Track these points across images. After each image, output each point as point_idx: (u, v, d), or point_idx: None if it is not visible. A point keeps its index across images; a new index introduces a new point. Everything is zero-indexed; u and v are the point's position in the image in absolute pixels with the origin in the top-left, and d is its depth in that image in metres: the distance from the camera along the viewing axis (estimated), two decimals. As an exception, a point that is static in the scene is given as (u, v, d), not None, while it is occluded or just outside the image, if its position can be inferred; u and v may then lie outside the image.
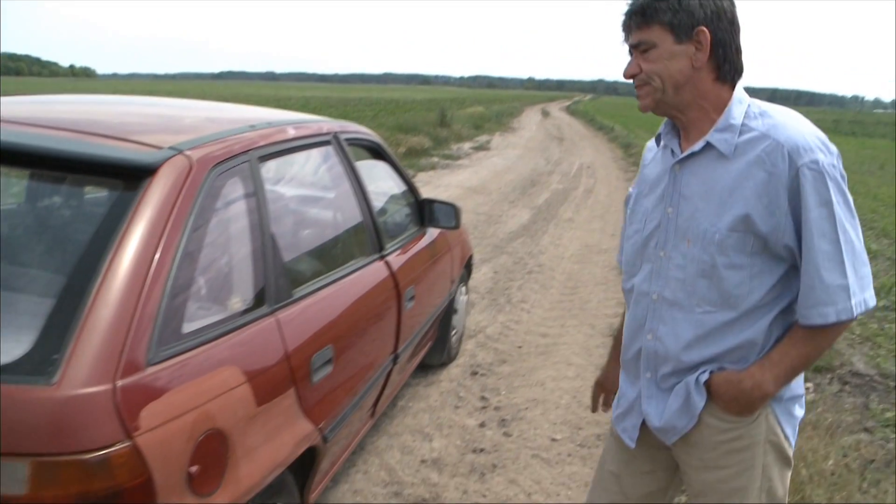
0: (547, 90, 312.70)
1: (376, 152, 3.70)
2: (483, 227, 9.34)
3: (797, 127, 1.69)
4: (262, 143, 2.45)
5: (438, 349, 4.59)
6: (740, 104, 1.76)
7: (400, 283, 3.23)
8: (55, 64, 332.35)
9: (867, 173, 20.90)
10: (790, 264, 1.75)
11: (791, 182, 1.64)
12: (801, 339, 1.73)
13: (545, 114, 48.70)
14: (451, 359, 4.88)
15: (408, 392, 4.43)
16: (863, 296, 1.68)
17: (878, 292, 7.07)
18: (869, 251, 5.77)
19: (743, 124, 1.73)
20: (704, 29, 1.68)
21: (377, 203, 3.57)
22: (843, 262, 1.64)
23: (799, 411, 1.89)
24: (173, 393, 1.76)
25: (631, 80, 1.80)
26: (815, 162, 1.62)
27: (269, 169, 2.54)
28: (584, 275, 7.42)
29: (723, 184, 1.72)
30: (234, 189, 2.25)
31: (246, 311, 2.16)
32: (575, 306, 6.37)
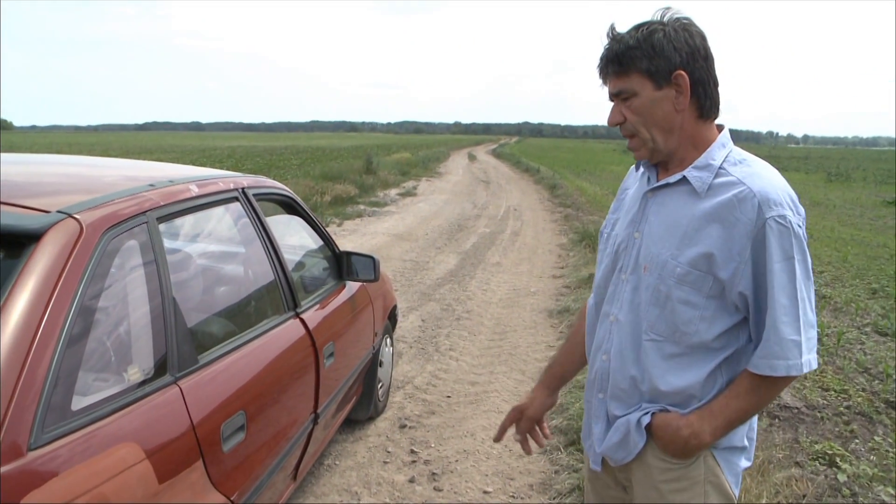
0: (473, 133, 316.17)
1: (289, 206, 3.61)
2: (410, 275, 9.26)
3: (772, 180, 1.71)
4: (161, 203, 2.33)
5: (364, 404, 4.47)
6: (723, 148, 1.78)
7: (317, 340, 3.13)
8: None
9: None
10: (743, 316, 1.76)
11: (757, 232, 1.66)
12: (744, 390, 1.74)
13: (472, 157, 49.08)
14: (378, 412, 4.76)
15: (334, 449, 4.30)
16: (809, 356, 1.70)
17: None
18: None
19: (721, 167, 1.75)
20: (682, 72, 1.70)
21: (291, 259, 3.47)
22: (798, 319, 1.67)
23: (742, 462, 1.89)
24: (60, 478, 1.63)
25: (616, 127, 1.83)
26: (783, 217, 1.65)
27: (171, 229, 2.44)
28: (512, 319, 7.38)
29: (690, 219, 1.75)
30: (131, 253, 2.13)
31: (145, 382, 2.03)
32: (504, 352, 6.31)
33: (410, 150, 44.75)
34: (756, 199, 1.66)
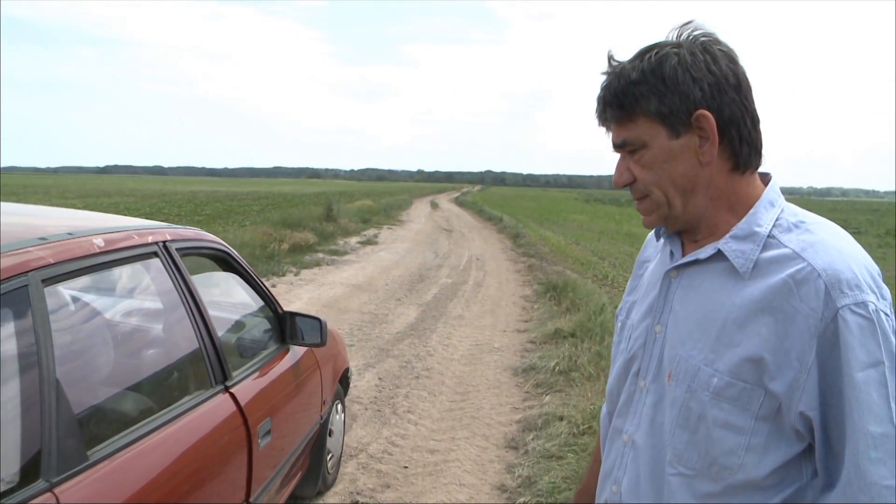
0: (436, 182, 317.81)
1: (224, 262, 3.17)
2: (368, 328, 8.81)
3: (843, 250, 1.24)
4: (51, 261, 1.91)
5: (311, 479, 4.01)
6: (771, 207, 1.32)
7: (250, 417, 2.69)
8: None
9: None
10: (807, 444, 1.26)
11: (825, 328, 1.19)
12: None
13: (434, 205, 48.87)
14: (327, 486, 4.30)
15: (275, 533, 3.82)
16: None
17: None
18: None
19: (770, 235, 1.29)
20: (706, 113, 1.27)
21: (224, 323, 3.04)
22: (893, 455, 1.16)
23: None
24: None
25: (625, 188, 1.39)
26: (863, 305, 1.18)
27: (60, 294, 2.01)
28: (475, 377, 6.95)
29: (730, 310, 1.28)
30: (1, 325, 1.70)
31: (8, 492, 1.59)
32: (466, 415, 5.88)
33: (373, 198, 44.43)
34: (822, 281, 1.19)
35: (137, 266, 2.46)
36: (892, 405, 1.16)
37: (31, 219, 2.44)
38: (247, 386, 2.82)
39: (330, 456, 4.25)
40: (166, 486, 2.09)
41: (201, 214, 26.05)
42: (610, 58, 1.35)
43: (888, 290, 1.24)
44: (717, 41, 1.31)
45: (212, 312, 3.03)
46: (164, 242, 2.55)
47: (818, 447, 1.23)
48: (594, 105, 1.37)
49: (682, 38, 1.31)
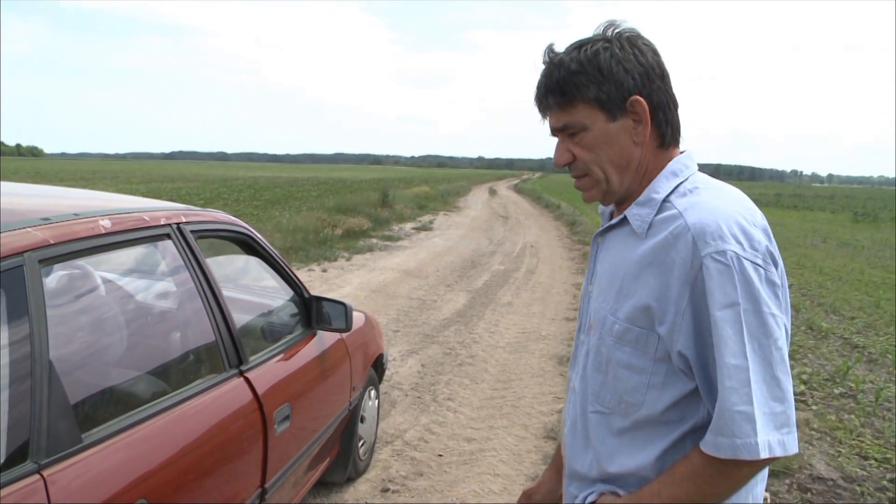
0: (497, 168, 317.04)
1: (246, 245, 3.14)
2: (415, 314, 8.77)
3: (717, 208, 1.37)
4: (51, 241, 1.88)
5: (341, 465, 3.98)
6: (673, 177, 1.47)
7: (266, 402, 2.65)
8: (1, 143, 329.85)
9: (812, 246, 20.88)
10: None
11: (695, 276, 1.33)
12: (683, 475, 1.36)
13: (492, 192, 48.69)
14: (358, 473, 4.26)
15: (304, 518, 3.80)
16: (777, 435, 1.29)
17: (833, 377, 6.65)
18: (819, 329, 5.22)
19: (666, 199, 1.45)
20: (639, 98, 1.43)
21: (241, 307, 3.01)
22: (748, 384, 1.28)
23: None
24: None
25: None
26: (723, 253, 1.31)
27: (60, 275, 1.99)
28: (519, 366, 6.86)
29: (629, 265, 1.45)
30: (-8, 304, 1.68)
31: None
32: (507, 403, 5.79)
33: (431, 184, 44.43)
34: (690, 234, 1.34)
35: (148, 248, 2.44)
36: (746, 341, 1.29)
37: (41, 200, 2.43)
38: (264, 370, 2.79)
39: (362, 442, 4.21)
40: (169, 469, 2.06)
41: (260, 199, 26.32)
42: (549, 49, 1.49)
43: (765, 243, 1.35)
44: (640, 36, 1.47)
45: (231, 295, 3.01)
46: (177, 224, 2.51)
47: (699, 383, 1.38)
48: (534, 92, 1.52)
49: (607, 34, 1.47)
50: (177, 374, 2.44)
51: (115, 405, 2.08)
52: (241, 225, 3.05)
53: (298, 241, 13.70)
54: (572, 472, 1.61)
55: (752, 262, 1.31)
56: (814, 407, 5.86)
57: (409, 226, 20.07)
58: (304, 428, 3.10)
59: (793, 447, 1.30)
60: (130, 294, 2.57)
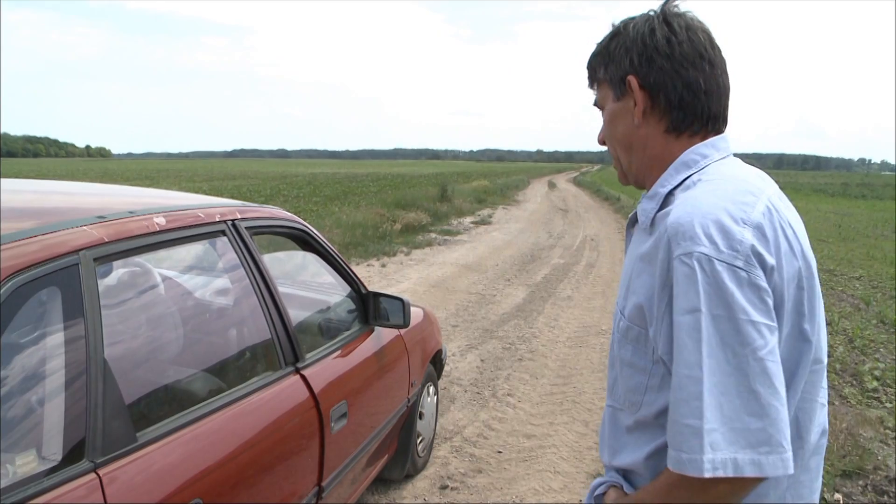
0: (556, 161, 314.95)
1: (302, 241, 3.12)
2: (474, 309, 8.73)
3: (699, 204, 1.27)
4: (106, 240, 1.88)
5: (399, 462, 3.96)
6: (685, 168, 1.40)
7: (322, 400, 2.63)
8: (72, 145, 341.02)
9: (882, 237, 20.28)
10: None
11: (669, 276, 1.26)
12: (660, 487, 1.29)
13: (552, 185, 48.36)
14: (417, 470, 4.23)
15: (362, 515, 3.79)
16: (750, 454, 1.16)
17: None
18: (892, 323, 4.98)
19: (671, 193, 1.39)
20: (630, 77, 1.41)
21: (298, 303, 3.00)
22: (701, 398, 1.17)
23: None
24: None
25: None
26: (689, 255, 1.21)
27: (116, 273, 1.99)
28: (579, 361, 6.77)
29: (635, 261, 1.40)
30: (48, 304, 1.69)
31: (50, 472, 1.57)
32: (567, 399, 5.71)
33: (490, 178, 44.33)
34: (667, 235, 1.26)
35: (204, 245, 2.44)
36: (704, 351, 1.18)
37: (98, 198, 2.45)
38: (321, 367, 2.77)
39: (420, 439, 4.18)
40: (224, 469, 2.05)
41: (319, 195, 26.55)
42: (612, 26, 1.50)
43: (747, 237, 1.21)
44: (668, 15, 1.41)
45: (287, 292, 3.00)
46: (232, 221, 2.50)
47: None
48: None
49: (647, 13, 1.44)
50: (232, 371, 2.43)
51: (171, 403, 2.08)
52: (298, 221, 3.03)
53: (357, 237, 13.77)
54: (606, 465, 1.58)
55: (727, 263, 1.19)
56: (888, 404, 5.66)
57: (467, 220, 20.04)
58: (362, 425, 3.08)
59: (775, 469, 1.16)
60: (187, 291, 2.57)
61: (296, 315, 2.90)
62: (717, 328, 1.18)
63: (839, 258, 14.63)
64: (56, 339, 1.68)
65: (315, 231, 3.12)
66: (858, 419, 5.07)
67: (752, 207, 1.26)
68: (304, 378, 2.60)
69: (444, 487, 4.16)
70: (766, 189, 1.34)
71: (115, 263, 2.24)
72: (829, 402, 5.56)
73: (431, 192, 24.21)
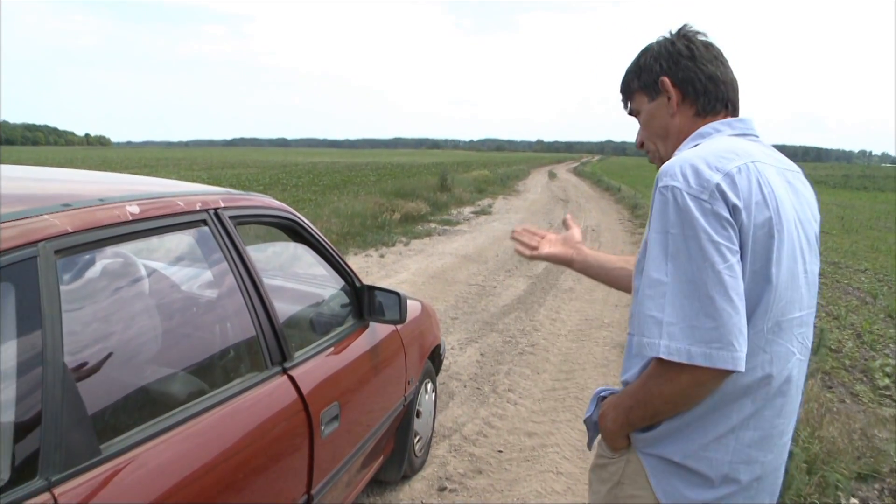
0: (555, 151, 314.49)
1: (292, 231, 2.92)
2: (474, 301, 8.54)
3: (687, 155, 1.55)
4: (69, 230, 1.70)
5: (395, 463, 3.78)
6: (699, 138, 1.69)
7: (311, 403, 2.44)
8: (71, 133, 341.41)
9: (885, 229, 20.11)
10: None
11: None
12: (643, 377, 1.58)
13: (552, 175, 48.09)
14: (414, 470, 4.06)
15: (357, 518, 3.61)
16: (702, 348, 1.41)
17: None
18: None
19: None
20: (664, 78, 1.73)
21: (287, 298, 2.82)
22: (664, 296, 1.45)
23: (692, 492, 1.60)
24: None
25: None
26: (666, 188, 1.49)
27: (79, 266, 1.80)
28: (581, 355, 6.59)
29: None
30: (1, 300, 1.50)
31: (-5, 494, 1.39)
32: (570, 395, 5.54)
33: (490, 168, 44.12)
34: (657, 177, 1.54)
35: (182, 235, 2.25)
36: (670, 261, 1.45)
37: (68, 185, 2.24)
38: (311, 366, 2.58)
39: (417, 438, 4.01)
40: (202, 481, 1.87)
41: (318, 185, 26.34)
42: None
43: (715, 180, 1.46)
44: (684, 32, 1.76)
45: (276, 286, 2.82)
46: (215, 210, 2.31)
47: None
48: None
49: (662, 36, 1.79)
50: (213, 373, 2.24)
51: (143, 410, 1.89)
52: (287, 210, 2.84)
53: (356, 227, 13.58)
54: None
55: (693, 196, 1.45)
56: (900, 402, 5.49)
57: (467, 210, 19.84)
58: (356, 427, 2.90)
59: (724, 362, 1.39)
60: (162, 287, 2.37)
61: (285, 310, 2.72)
62: (684, 245, 1.44)
63: (843, 250, 14.46)
64: (8, 341, 1.49)
65: (306, 221, 2.92)
66: (872, 419, 4.89)
67: (728, 161, 1.51)
68: (291, 379, 2.41)
69: (442, 489, 3.98)
70: (756, 156, 1.57)
71: (95, 254, 2.06)
72: (840, 400, 5.39)
73: (431, 182, 24.00)
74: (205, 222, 2.25)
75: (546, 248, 2.31)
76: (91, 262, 2.06)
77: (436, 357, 4.32)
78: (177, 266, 2.45)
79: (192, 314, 2.37)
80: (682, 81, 1.71)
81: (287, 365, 2.43)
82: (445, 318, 7.60)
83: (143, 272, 2.33)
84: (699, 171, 1.48)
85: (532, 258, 2.30)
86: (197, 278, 2.46)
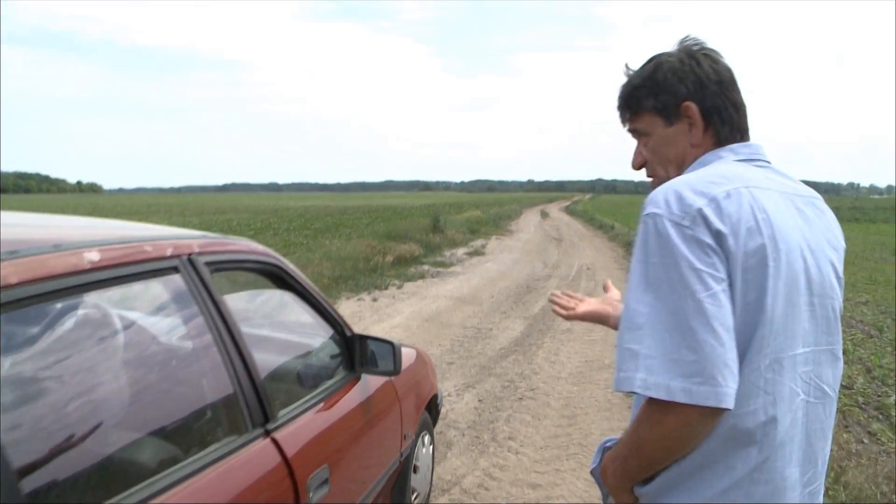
0: (547, 191, 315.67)
1: (277, 278, 2.70)
2: (470, 344, 8.29)
3: (674, 181, 1.46)
4: (13, 282, 1.47)
5: (392, 523, 3.52)
6: (700, 166, 1.58)
7: (298, 467, 2.20)
8: (63, 181, 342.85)
9: (881, 260, 20.01)
10: None
11: None
12: (634, 422, 1.44)
13: (544, 215, 48.07)
14: (412, 530, 3.80)
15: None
16: (683, 383, 1.29)
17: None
18: None
19: None
20: (690, 104, 1.59)
21: (271, 350, 2.59)
22: (640, 328, 1.35)
23: None
24: None
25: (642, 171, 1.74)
26: (647, 215, 1.42)
27: (24, 323, 1.58)
28: (584, 399, 6.34)
29: None
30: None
31: None
32: (573, 442, 5.28)
33: (482, 208, 44.04)
34: (641, 208, 1.46)
35: (149, 285, 2.02)
36: (650, 291, 1.35)
37: (21, 229, 2.01)
38: (297, 427, 2.34)
39: (415, 495, 3.75)
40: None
41: (310, 228, 26.16)
42: (625, 66, 1.71)
43: (699, 205, 1.36)
44: (703, 48, 1.62)
45: (260, 335, 2.60)
46: (188, 256, 2.09)
47: None
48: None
49: (676, 48, 1.64)
50: (184, 439, 1.98)
51: (100, 488, 1.65)
52: (271, 255, 2.62)
53: (348, 270, 13.37)
54: None
55: (674, 222, 1.36)
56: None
57: (461, 251, 19.64)
58: (348, 490, 2.65)
59: (706, 398, 1.28)
60: (129, 343, 2.13)
61: (268, 364, 2.49)
62: (663, 273, 1.35)
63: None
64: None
65: (291, 266, 2.70)
66: (896, 462, 4.65)
67: (717, 186, 1.41)
68: (275, 442, 2.17)
69: (442, 550, 3.72)
70: (754, 181, 1.46)
71: (48, 307, 1.83)
72: (858, 441, 5.15)
73: (424, 224, 23.84)
74: (176, 269, 2.03)
75: (583, 308, 2.18)
76: (44, 316, 1.83)
77: (433, 407, 4.08)
78: (145, 319, 2.21)
79: (162, 374, 2.13)
80: (709, 112, 1.58)
81: (270, 426, 2.19)
82: (441, 363, 7.36)
83: (109, 327, 2.10)
84: (682, 196, 1.39)
85: (568, 318, 2.18)
86: (167, 333, 2.22)
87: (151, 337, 2.22)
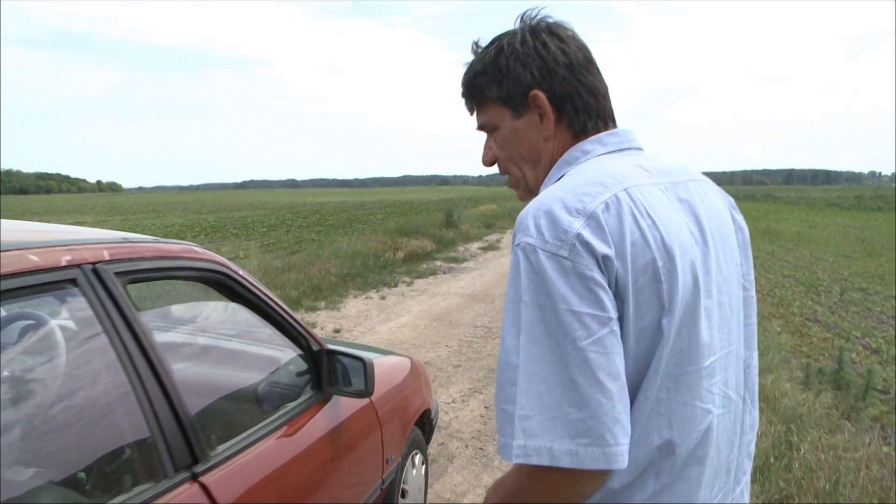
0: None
1: (223, 286, 2.29)
2: (479, 345, 7.91)
3: (544, 196, 1.23)
4: None
5: (375, 557, 3.13)
6: (566, 166, 1.37)
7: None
8: (83, 180, 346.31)
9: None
10: None
11: None
12: (518, 470, 1.20)
13: (562, 208, 47.58)
14: (402, 560, 3.41)
15: None
16: (568, 444, 1.10)
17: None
18: None
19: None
20: (537, 93, 1.36)
21: (215, 370, 2.21)
22: (516, 383, 1.13)
23: None
24: None
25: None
26: (518, 246, 1.19)
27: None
28: (597, 404, 5.94)
29: None
30: None
31: None
32: (585, 454, 4.88)
33: (499, 202, 43.63)
34: (513, 234, 1.25)
35: (36, 302, 1.64)
36: (522, 339, 1.15)
37: None
38: (241, 464, 1.96)
39: (405, 522, 3.37)
40: None
41: (324, 224, 25.90)
42: (474, 46, 1.46)
43: (577, 228, 1.15)
44: (550, 25, 1.39)
45: (198, 354, 2.21)
46: (93, 265, 1.71)
47: None
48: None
49: (520, 26, 1.41)
50: (80, 491, 1.61)
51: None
52: (215, 261, 2.20)
53: (357, 267, 13.01)
54: None
55: (550, 253, 1.15)
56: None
57: (474, 246, 19.26)
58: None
59: (595, 462, 1.10)
60: (7, 377, 1.74)
61: (210, 388, 2.11)
62: (538, 317, 1.14)
63: (869, 275, 13.81)
64: None
65: (241, 272, 2.30)
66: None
67: (592, 198, 1.21)
68: (203, 487, 1.78)
69: (435, 583, 3.34)
70: (630, 179, 1.27)
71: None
72: (897, 453, 4.71)
73: (438, 218, 23.48)
74: (74, 282, 1.65)
75: None
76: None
77: (426, 423, 3.69)
78: (31, 346, 1.83)
79: (50, 413, 1.74)
80: (560, 97, 1.37)
81: (199, 468, 1.80)
82: (447, 366, 6.97)
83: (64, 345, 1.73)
84: (555, 218, 1.18)
85: None
86: (56, 360, 1.84)
87: (35, 369, 1.83)
